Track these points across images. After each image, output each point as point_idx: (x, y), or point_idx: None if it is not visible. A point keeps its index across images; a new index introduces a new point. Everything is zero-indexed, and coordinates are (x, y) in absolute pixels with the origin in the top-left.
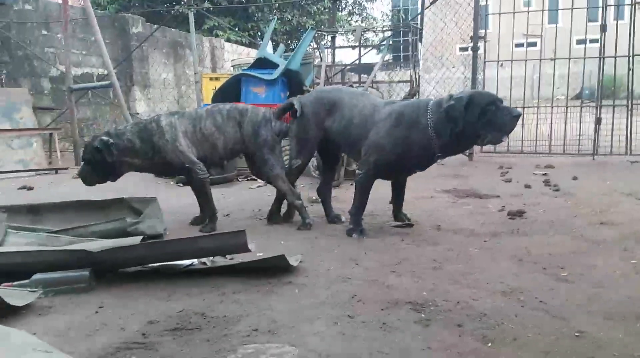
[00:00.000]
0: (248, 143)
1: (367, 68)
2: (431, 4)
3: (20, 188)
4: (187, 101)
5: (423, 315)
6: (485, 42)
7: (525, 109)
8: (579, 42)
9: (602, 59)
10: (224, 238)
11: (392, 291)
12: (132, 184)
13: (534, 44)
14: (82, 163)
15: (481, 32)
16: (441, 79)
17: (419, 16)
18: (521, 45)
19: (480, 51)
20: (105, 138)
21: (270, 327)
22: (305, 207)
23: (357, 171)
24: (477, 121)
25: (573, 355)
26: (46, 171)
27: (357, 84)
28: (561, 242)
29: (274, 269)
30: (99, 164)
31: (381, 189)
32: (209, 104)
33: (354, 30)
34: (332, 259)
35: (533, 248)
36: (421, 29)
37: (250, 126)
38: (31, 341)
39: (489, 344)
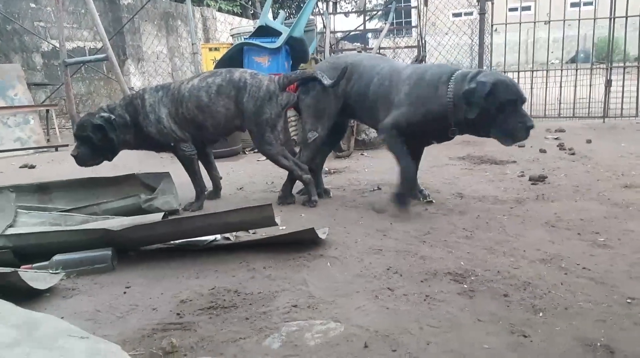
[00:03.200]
0: (248, 119)
1: (362, 36)
2: None
3: (21, 167)
4: (181, 74)
5: (465, 286)
6: (492, 4)
7: (534, 72)
8: (573, 5)
9: (612, 20)
10: (250, 212)
11: (427, 262)
12: (135, 160)
13: (528, 8)
14: (77, 142)
15: None
16: (438, 45)
17: None
18: (515, 9)
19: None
20: (105, 114)
21: (309, 302)
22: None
23: (379, 137)
24: (491, 114)
25: (629, 323)
26: (45, 149)
27: (364, 51)
28: (590, 207)
29: (301, 243)
30: (99, 142)
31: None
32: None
33: None
34: (359, 231)
35: (563, 213)
36: None
37: (251, 103)
38: (64, 326)
39: (540, 314)
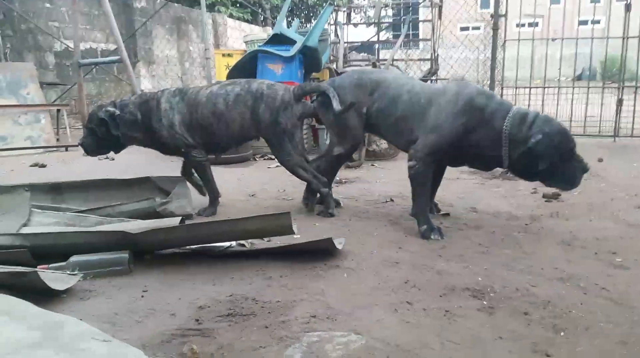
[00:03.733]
0: (265, 129)
1: (370, 47)
2: None
3: (32, 166)
4: (191, 78)
5: (485, 303)
6: (505, 20)
7: (545, 89)
8: (582, 22)
9: (625, 40)
10: (268, 219)
11: (445, 277)
12: (147, 163)
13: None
14: (86, 132)
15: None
16: (450, 58)
17: None
18: (523, 25)
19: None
20: (111, 108)
21: (327, 313)
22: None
23: (409, 163)
24: (554, 163)
25: None
26: (55, 148)
27: (378, 63)
28: (605, 226)
29: (315, 252)
30: (103, 135)
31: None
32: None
33: (373, 6)
34: (374, 242)
35: (578, 232)
36: (441, 5)
37: (267, 113)
38: (86, 329)
39: (562, 333)
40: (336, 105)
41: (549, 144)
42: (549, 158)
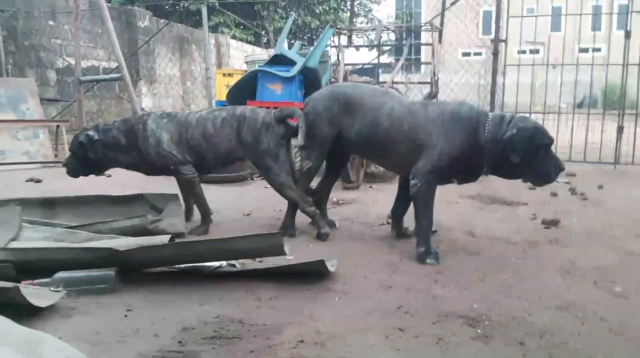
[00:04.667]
0: (249, 151)
1: (371, 70)
2: (452, 4)
3: (27, 181)
4: (192, 97)
5: (479, 331)
6: (506, 45)
7: (545, 115)
8: (582, 50)
9: (625, 67)
10: (259, 239)
11: (439, 303)
12: (143, 180)
13: (536, 52)
14: (69, 154)
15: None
16: (450, 82)
17: (440, 16)
18: (523, 52)
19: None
20: (91, 132)
21: (317, 338)
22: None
23: (412, 182)
24: (528, 158)
25: None
26: (53, 164)
27: (378, 85)
28: (604, 254)
29: (308, 274)
30: (83, 158)
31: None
32: (220, 102)
33: (374, 29)
34: (368, 265)
35: (577, 259)
36: (441, 30)
37: (249, 134)
38: (63, 348)
39: None
40: (300, 139)
41: (522, 137)
42: (522, 151)
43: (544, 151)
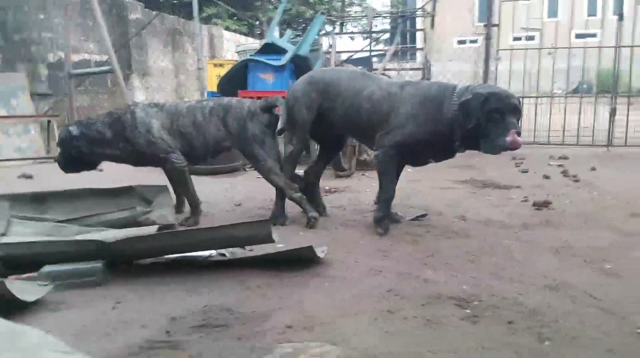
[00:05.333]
0: (235, 139)
1: (366, 59)
2: None
3: (19, 177)
4: (185, 90)
5: (469, 311)
6: (498, 29)
7: (538, 99)
8: (579, 36)
9: (617, 49)
10: (247, 227)
11: (430, 286)
12: (132, 172)
13: (532, 38)
14: (59, 151)
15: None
16: (443, 70)
17: (432, 1)
18: (519, 39)
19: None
20: (71, 128)
21: (305, 323)
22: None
23: (374, 153)
24: (482, 125)
25: None
26: (44, 160)
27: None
28: (597, 234)
29: (298, 261)
30: (68, 154)
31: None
32: (212, 93)
33: (365, 16)
34: (359, 251)
35: (569, 240)
36: (433, 15)
37: (235, 122)
38: (47, 340)
39: (547, 342)
40: (279, 123)
41: (475, 101)
42: (475, 116)
43: (498, 116)
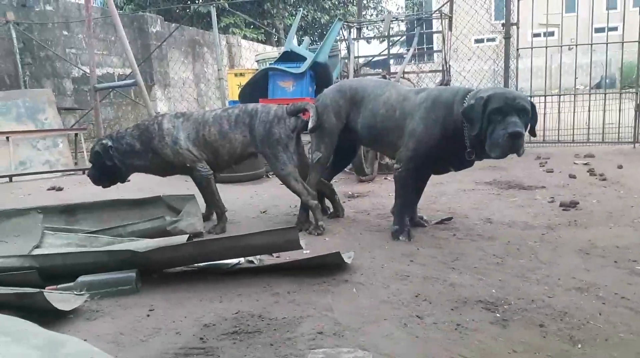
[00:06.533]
0: (261, 143)
1: (384, 62)
2: None
3: (49, 189)
4: (206, 100)
5: (498, 315)
6: (517, 28)
7: (561, 96)
8: (598, 30)
9: None
10: (275, 235)
11: (457, 289)
12: (159, 183)
13: (552, 34)
14: (90, 166)
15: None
16: (463, 70)
17: (449, 3)
18: (539, 35)
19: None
20: (105, 141)
21: (335, 329)
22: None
23: (395, 166)
24: (485, 128)
25: None
26: (73, 172)
27: (389, 76)
28: (625, 234)
29: (325, 267)
30: (102, 167)
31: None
32: (234, 102)
33: (383, 20)
34: (384, 256)
35: (597, 240)
36: (451, 17)
37: (262, 127)
38: (87, 348)
39: (579, 346)
40: (311, 122)
41: (478, 106)
42: (477, 121)
43: (497, 117)
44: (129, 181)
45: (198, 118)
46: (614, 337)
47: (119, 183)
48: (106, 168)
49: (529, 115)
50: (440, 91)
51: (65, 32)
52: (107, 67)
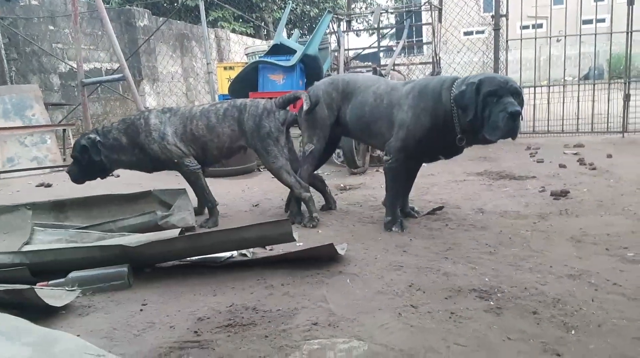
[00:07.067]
0: (251, 137)
1: (374, 55)
2: None
3: (38, 185)
4: (195, 94)
5: (492, 303)
6: (507, 20)
7: (550, 87)
8: (586, 22)
9: (629, 34)
10: (268, 227)
11: (451, 279)
12: (149, 177)
13: (540, 26)
14: (72, 161)
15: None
16: (452, 62)
17: None
18: (527, 27)
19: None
20: (92, 135)
21: (329, 320)
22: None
23: (385, 158)
24: (480, 112)
25: None
26: (61, 168)
27: (379, 68)
28: (616, 222)
29: (319, 259)
30: (87, 162)
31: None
32: (223, 96)
33: (372, 12)
34: (378, 247)
35: (588, 228)
36: (440, 8)
37: (251, 120)
38: (80, 344)
39: (573, 332)
40: (305, 106)
41: (470, 91)
42: (472, 106)
43: (493, 99)
44: (117, 176)
45: (185, 113)
46: (608, 323)
47: (99, 179)
48: (90, 164)
49: (520, 97)
50: (427, 81)
51: (51, 27)
52: (94, 62)
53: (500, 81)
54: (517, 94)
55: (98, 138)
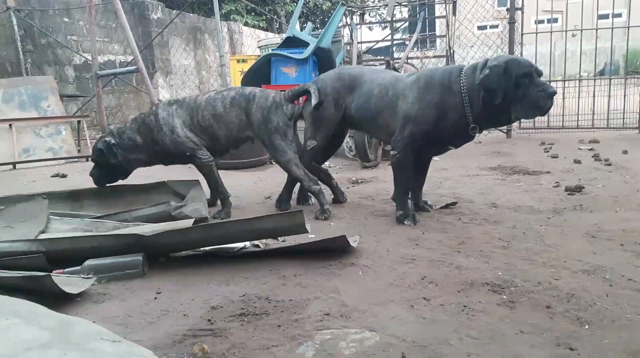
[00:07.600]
0: (258, 129)
1: (386, 49)
2: None
3: (53, 176)
4: (208, 86)
5: (505, 297)
6: (522, 13)
7: (566, 82)
8: (601, 17)
9: None
10: (281, 218)
11: (463, 272)
12: (163, 169)
13: (555, 20)
14: (93, 164)
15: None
16: (466, 56)
17: None
18: (542, 21)
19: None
20: (108, 138)
21: (341, 310)
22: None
23: (391, 152)
24: (510, 94)
25: None
26: (76, 159)
27: (392, 61)
28: (631, 217)
29: (331, 251)
30: (107, 164)
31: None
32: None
33: (386, 5)
34: (390, 240)
35: (603, 224)
36: (455, 1)
37: (259, 112)
38: (96, 330)
39: (587, 326)
40: (314, 100)
41: (497, 74)
42: (502, 89)
43: (526, 80)
44: None
45: (191, 103)
46: (622, 318)
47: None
48: (109, 166)
49: (542, 76)
50: (432, 71)
51: (66, 19)
52: (108, 54)
53: (527, 63)
54: (539, 72)
55: (113, 141)
